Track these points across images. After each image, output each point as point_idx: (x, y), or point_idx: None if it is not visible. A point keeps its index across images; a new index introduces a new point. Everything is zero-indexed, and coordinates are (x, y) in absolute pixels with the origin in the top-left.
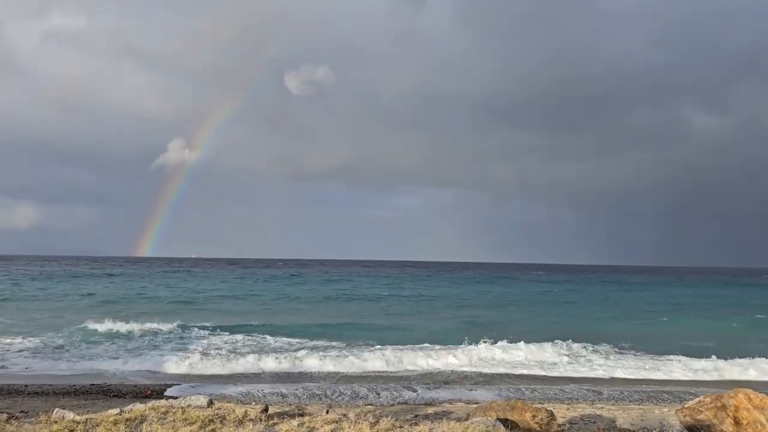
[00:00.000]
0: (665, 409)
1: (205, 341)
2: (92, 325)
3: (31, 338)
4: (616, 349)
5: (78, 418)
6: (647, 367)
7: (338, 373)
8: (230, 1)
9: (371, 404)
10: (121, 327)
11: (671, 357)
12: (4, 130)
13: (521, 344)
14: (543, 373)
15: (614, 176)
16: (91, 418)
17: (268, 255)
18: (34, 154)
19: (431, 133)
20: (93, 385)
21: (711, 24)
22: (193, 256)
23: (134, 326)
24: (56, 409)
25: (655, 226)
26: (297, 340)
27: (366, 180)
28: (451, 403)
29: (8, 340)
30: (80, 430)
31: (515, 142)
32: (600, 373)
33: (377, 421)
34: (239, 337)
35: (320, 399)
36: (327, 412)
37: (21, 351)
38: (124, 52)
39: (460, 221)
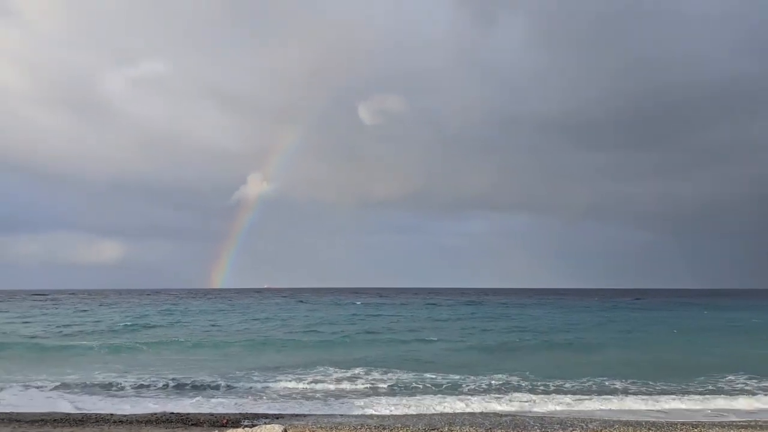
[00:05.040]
0: None
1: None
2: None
3: None
4: None
5: None
6: None
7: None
8: (303, 39)
9: None
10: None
11: None
12: (93, 171)
13: None
14: None
15: (699, 193)
16: None
17: (335, 284)
18: (121, 192)
19: (499, 157)
20: (173, 413)
21: None
22: (265, 286)
23: None
24: None
25: (744, 246)
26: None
27: (432, 206)
28: None
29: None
30: None
31: (588, 162)
32: None
33: None
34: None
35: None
36: None
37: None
38: (204, 93)
39: (530, 246)
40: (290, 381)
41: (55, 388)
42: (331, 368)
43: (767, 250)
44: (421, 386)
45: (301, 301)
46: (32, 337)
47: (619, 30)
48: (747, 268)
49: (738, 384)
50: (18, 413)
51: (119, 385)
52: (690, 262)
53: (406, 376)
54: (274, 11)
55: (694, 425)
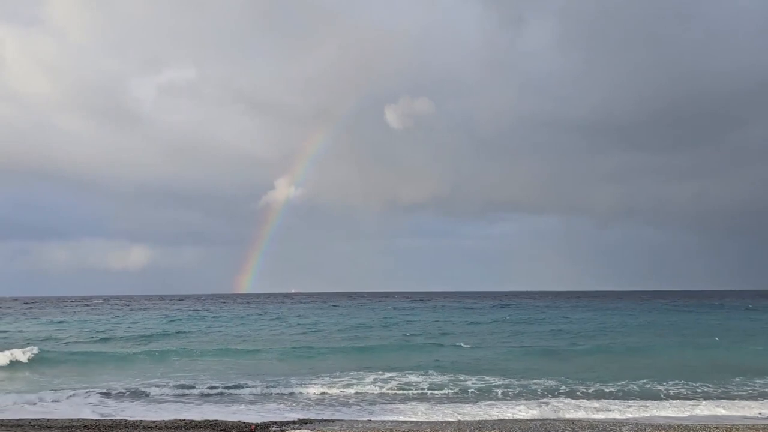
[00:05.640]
0: None
1: None
2: None
3: None
4: None
5: None
6: None
7: None
8: (332, 44)
9: None
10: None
11: None
12: (122, 178)
13: None
14: None
15: (734, 194)
16: None
17: (363, 288)
18: (149, 198)
19: (528, 159)
20: (202, 420)
21: None
22: (292, 291)
23: None
24: None
25: None
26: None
27: (461, 209)
28: None
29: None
30: None
31: (621, 163)
32: None
33: None
34: None
35: None
36: None
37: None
38: (233, 98)
39: (561, 248)
40: (323, 386)
41: (88, 394)
42: (363, 372)
43: None
44: (454, 390)
45: (334, 306)
46: (66, 343)
47: (652, 32)
48: None
49: None
50: (49, 420)
51: (151, 392)
52: (724, 263)
53: (440, 380)
54: (303, 16)
55: (728, 429)
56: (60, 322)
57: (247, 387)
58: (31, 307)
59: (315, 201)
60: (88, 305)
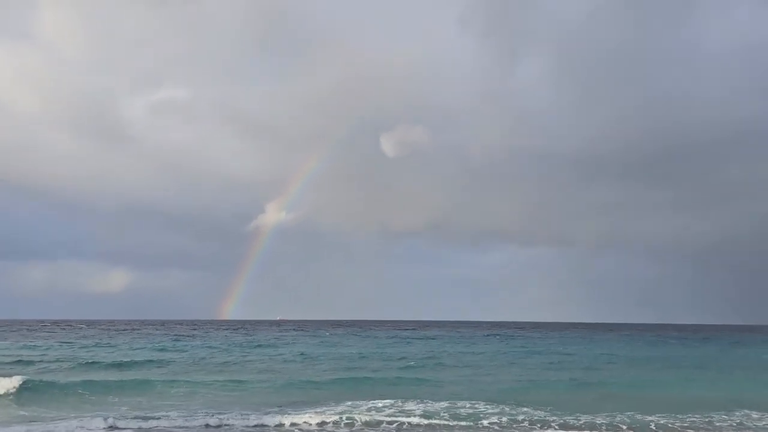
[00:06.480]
0: None
1: None
2: None
3: None
4: None
5: None
6: None
7: None
8: (327, 68)
9: None
10: None
11: None
12: (109, 198)
13: None
14: None
15: (719, 229)
16: None
17: (352, 316)
18: (135, 220)
19: (520, 190)
20: None
21: None
22: (278, 318)
23: None
24: None
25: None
26: None
27: (453, 237)
28: None
29: None
30: None
31: (605, 197)
32: None
33: None
34: None
35: None
36: None
37: None
38: (224, 120)
39: (547, 279)
40: (317, 415)
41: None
42: (360, 402)
43: None
44: (446, 418)
45: (324, 334)
46: (49, 371)
47: (641, 68)
48: (756, 304)
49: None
50: None
51: (143, 426)
52: (703, 296)
53: (434, 408)
54: (300, 41)
55: None
56: (44, 346)
57: (240, 419)
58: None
59: (306, 226)
60: (65, 329)
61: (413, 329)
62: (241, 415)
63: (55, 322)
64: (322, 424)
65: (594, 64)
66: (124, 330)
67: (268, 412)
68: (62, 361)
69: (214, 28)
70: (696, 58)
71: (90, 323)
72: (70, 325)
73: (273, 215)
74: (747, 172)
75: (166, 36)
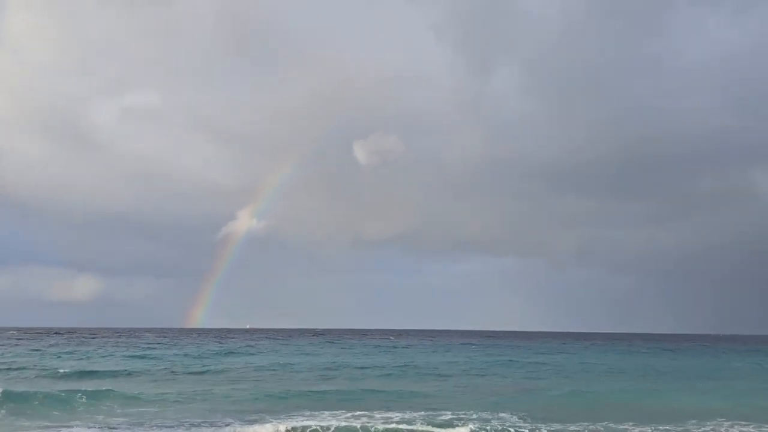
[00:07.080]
0: None
1: None
2: None
3: None
4: None
5: None
6: None
7: None
8: (300, 75)
9: None
10: None
11: None
12: (77, 204)
13: None
14: None
15: (690, 241)
16: None
17: (324, 324)
18: (103, 226)
19: (492, 201)
20: None
21: None
22: (248, 327)
23: None
24: None
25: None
26: None
27: (427, 247)
28: None
29: None
30: None
31: (575, 208)
32: None
33: None
34: None
35: None
36: None
37: None
38: (195, 126)
39: (519, 289)
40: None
41: None
42: (337, 412)
43: (743, 296)
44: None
45: (296, 343)
46: (21, 378)
47: (615, 80)
48: (727, 314)
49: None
50: None
51: None
52: (675, 307)
53: (410, 416)
54: (274, 48)
55: None
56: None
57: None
58: None
59: (278, 234)
60: (33, 338)
61: (387, 338)
62: (216, 425)
63: (20, 329)
64: None
65: (568, 75)
66: (92, 338)
67: (247, 421)
68: (28, 369)
69: (186, 34)
70: (668, 71)
71: (56, 331)
72: (38, 333)
73: (244, 222)
74: (719, 183)
75: (137, 40)
